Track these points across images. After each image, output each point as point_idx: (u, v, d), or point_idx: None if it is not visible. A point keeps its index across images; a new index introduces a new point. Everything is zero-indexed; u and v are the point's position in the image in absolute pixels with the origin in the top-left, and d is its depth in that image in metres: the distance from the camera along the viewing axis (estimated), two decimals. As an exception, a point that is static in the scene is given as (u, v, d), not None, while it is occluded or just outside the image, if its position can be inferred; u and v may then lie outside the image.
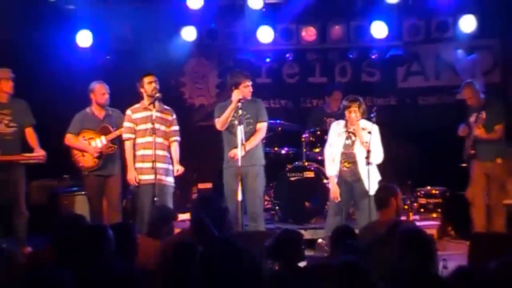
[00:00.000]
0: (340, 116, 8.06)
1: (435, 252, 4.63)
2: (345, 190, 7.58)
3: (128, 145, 7.71)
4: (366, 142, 7.31)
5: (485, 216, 8.25)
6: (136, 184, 7.61)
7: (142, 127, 7.65)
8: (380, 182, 7.33)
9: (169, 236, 5.51)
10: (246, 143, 7.62)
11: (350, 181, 7.54)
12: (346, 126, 7.53)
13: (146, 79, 7.69)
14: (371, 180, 7.31)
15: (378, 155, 7.44)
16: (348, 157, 7.53)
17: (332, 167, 7.64)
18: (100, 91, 7.88)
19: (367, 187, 7.34)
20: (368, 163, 7.28)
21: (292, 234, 4.83)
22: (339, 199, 7.55)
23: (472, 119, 8.13)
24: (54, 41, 9.17)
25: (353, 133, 7.49)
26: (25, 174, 7.75)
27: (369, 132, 7.27)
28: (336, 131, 7.66)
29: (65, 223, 5.32)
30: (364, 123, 7.48)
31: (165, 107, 7.83)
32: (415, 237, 4.49)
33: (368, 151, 7.27)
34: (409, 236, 4.49)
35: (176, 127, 7.84)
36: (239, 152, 7.46)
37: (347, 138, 7.55)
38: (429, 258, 4.37)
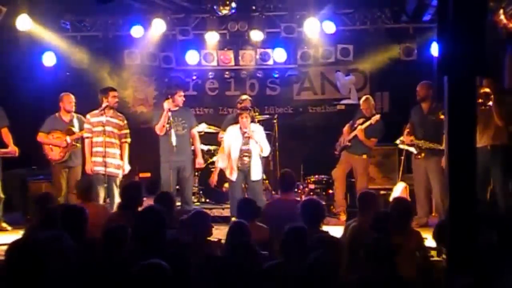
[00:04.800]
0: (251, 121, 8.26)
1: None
2: (242, 176, 7.77)
3: (87, 142, 7.82)
4: (257, 142, 7.61)
5: (343, 192, 8.58)
6: (91, 173, 7.73)
7: (96, 129, 7.76)
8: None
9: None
10: (197, 148, 8.01)
11: (245, 169, 7.73)
12: (240, 129, 7.68)
13: (112, 93, 7.81)
14: (257, 169, 7.70)
15: (266, 149, 7.80)
16: (245, 152, 7.71)
17: (221, 162, 7.84)
18: (67, 100, 7.99)
19: (256, 174, 7.71)
20: (260, 156, 7.69)
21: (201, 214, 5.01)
22: (214, 184, 7.95)
23: (359, 121, 8.50)
24: (26, 61, 9.07)
25: (248, 135, 7.65)
26: (1, 165, 7.88)
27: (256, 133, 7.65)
28: (233, 133, 7.76)
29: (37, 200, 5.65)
30: (253, 126, 7.74)
31: (118, 114, 7.93)
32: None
33: (261, 148, 7.66)
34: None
35: (127, 131, 7.94)
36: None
37: (243, 138, 7.69)
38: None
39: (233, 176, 7.74)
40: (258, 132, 7.71)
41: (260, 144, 7.66)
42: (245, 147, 7.72)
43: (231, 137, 7.80)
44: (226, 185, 8.05)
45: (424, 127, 7.84)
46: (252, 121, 7.84)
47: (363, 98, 8.77)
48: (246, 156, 7.73)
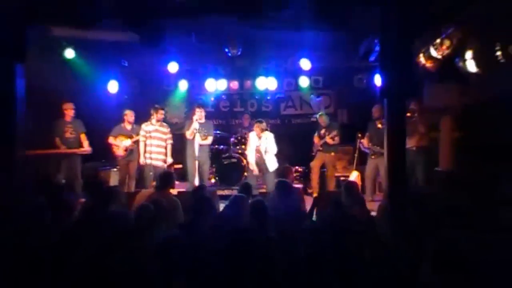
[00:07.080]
0: (250, 129, 8.44)
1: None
2: (258, 168, 7.98)
3: (141, 144, 7.95)
4: (267, 144, 7.81)
5: (317, 179, 8.52)
6: (142, 165, 7.87)
7: (149, 134, 7.92)
8: (280, 165, 7.67)
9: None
10: (203, 139, 8.02)
11: (260, 163, 7.96)
12: (256, 135, 7.98)
13: (160, 111, 8.01)
14: (270, 163, 7.86)
15: (273, 149, 7.96)
16: (257, 150, 7.96)
17: (251, 158, 8.04)
18: (130, 115, 8.10)
19: (269, 167, 7.86)
20: (267, 153, 7.81)
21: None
22: (258, 172, 7.97)
23: (322, 131, 8.57)
24: (95, 89, 9.03)
25: (260, 139, 7.91)
26: (80, 159, 7.89)
27: (266, 138, 7.83)
28: (253, 138, 8.07)
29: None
30: (266, 133, 7.97)
31: (163, 123, 8.11)
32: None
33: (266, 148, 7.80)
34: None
35: (170, 135, 8.10)
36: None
37: (257, 141, 7.97)
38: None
39: (251, 167, 8.05)
40: (268, 137, 7.88)
41: (267, 146, 7.85)
42: (258, 146, 7.96)
43: (251, 140, 8.09)
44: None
45: (378, 137, 7.85)
46: (266, 129, 8.04)
47: (318, 115, 8.80)
48: (258, 153, 7.95)
